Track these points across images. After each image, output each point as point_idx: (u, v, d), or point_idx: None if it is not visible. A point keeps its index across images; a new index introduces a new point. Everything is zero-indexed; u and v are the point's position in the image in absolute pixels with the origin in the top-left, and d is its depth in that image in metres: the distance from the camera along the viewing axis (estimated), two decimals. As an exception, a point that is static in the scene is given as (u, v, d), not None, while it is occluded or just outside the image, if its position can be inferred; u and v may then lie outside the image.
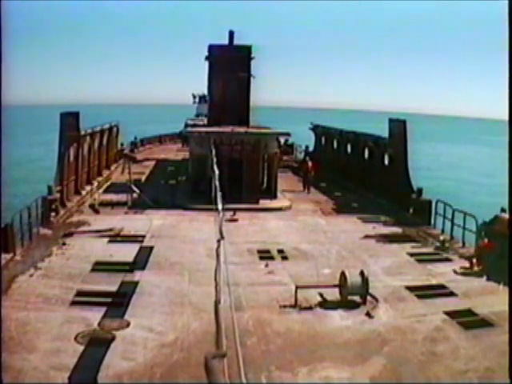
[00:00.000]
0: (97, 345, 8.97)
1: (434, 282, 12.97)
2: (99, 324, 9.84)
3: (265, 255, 14.94)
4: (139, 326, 9.79)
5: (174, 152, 43.23)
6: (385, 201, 22.50)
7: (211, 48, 26.21)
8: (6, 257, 13.15)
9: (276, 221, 19.61)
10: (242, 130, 23.32)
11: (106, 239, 16.14)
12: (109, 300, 11.07)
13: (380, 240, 16.94)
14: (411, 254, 15.30)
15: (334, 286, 11.47)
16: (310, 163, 26.71)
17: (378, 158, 24.84)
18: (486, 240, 14.26)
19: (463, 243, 16.21)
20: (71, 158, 21.62)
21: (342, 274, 11.40)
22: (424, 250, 16.01)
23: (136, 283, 12.21)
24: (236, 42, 26.42)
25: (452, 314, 10.66)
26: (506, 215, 13.39)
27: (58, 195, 19.00)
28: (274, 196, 23.31)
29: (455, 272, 13.65)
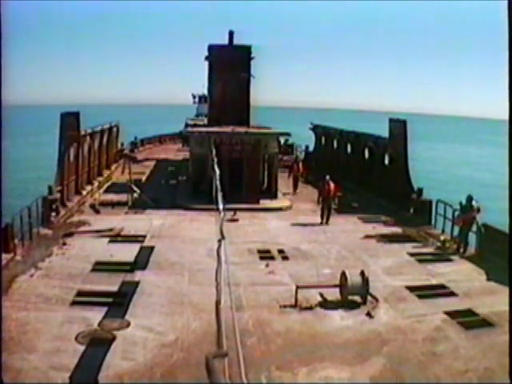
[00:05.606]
0: (97, 345, 8.97)
1: (434, 282, 12.97)
2: (99, 324, 9.84)
3: (265, 255, 14.94)
4: (139, 326, 9.79)
5: (175, 152, 43.21)
6: (385, 201, 22.49)
7: (211, 48, 26.20)
8: (6, 257, 13.13)
9: (276, 221, 19.62)
10: (242, 129, 23.32)
11: (107, 239, 16.15)
12: (109, 300, 11.07)
13: (380, 240, 16.94)
14: (411, 254, 15.31)
15: (335, 286, 11.47)
16: (300, 165, 26.75)
17: (378, 157, 24.83)
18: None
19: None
20: (71, 157, 21.64)
21: (343, 274, 11.40)
22: (424, 250, 16.01)
23: (136, 283, 12.21)
24: (236, 42, 26.41)
25: (452, 314, 10.66)
26: (475, 203, 15.65)
27: (58, 195, 19.02)
28: (274, 196, 23.31)
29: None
